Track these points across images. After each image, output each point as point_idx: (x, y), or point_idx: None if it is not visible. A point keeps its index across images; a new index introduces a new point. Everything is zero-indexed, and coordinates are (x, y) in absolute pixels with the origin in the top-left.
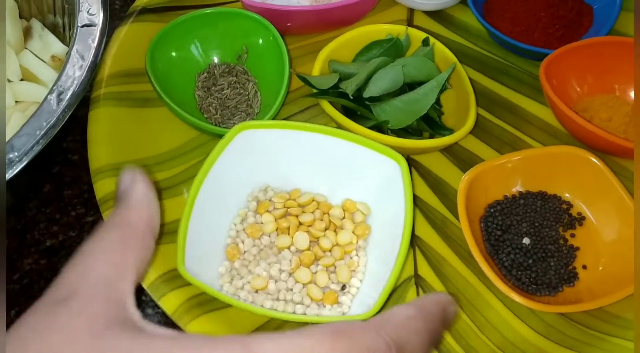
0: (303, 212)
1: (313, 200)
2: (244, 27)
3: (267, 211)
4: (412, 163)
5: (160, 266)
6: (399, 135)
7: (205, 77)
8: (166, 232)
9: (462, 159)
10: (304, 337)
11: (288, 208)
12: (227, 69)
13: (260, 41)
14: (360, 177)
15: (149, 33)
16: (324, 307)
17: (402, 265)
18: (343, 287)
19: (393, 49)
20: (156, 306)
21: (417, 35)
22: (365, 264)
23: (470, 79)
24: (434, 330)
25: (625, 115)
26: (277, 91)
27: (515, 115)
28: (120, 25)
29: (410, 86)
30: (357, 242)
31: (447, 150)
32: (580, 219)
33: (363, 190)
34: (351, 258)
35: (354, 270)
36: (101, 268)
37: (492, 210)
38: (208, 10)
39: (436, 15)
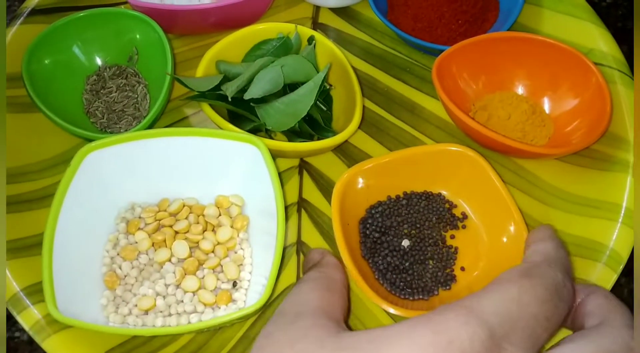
0: (177, 220)
1: (184, 206)
2: (131, 28)
3: (139, 229)
4: (304, 165)
5: (21, 279)
6: (289, 137)
7: (95, 80)
8: (30, 245)
9: (356, 160)
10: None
11: (160, 220)
12: (118, 71)
13: (149, 42)
14: (226, 170)
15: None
16: (219, 308)
17: (282, 246)
18: (234, 284)
19: (282, 48)
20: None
21: (307, 34)
22: (250, 255)
23: (371, 78)
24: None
25: (523, 112)
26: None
27: (414, 115)
28: (9, 26)
29: (291, 87)
30: (238, 235)
31: (341, 152)
32: (463, 218)
33: (232, 182)
34: (236, 253)
35: (241, 264)
36: (317, 301)
37: (372, 212)
38: (85, 13)
39: (342, 12)
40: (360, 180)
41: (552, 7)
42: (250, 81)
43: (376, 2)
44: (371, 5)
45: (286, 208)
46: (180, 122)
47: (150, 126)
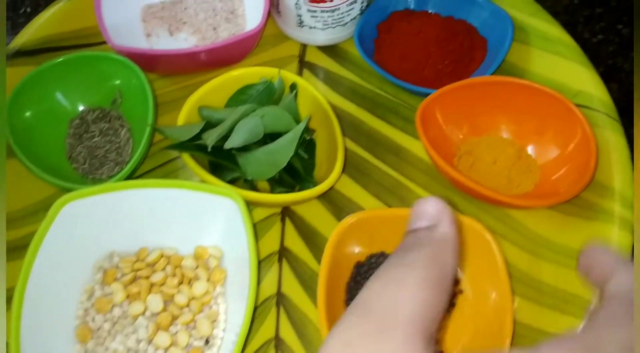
0: (154, 270)
1: (162, 256)
2: (113, 72)
3: (115, 279)
4: (286, 212)
5: None
6: (271, 186)
7: (78, 124)
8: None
9: (339, 206)
10: None
11: (137, 271)
12: (101, 115)
13: (132, 86)
14: (206, 221)
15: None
16: None
17: (253, 304)
18: (207, 341)
19: (266, 93)
20: None
21: (291, 79)
22: (225, 311)
23: (356, 119)
24: None
25: (509, 157)
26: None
27: (399, 158)
28: None
29: (272, 136)
30: (214, 289)
31: (324, 198)
32: (457, 293)
33: (212, 233)
34: (210, 308)
35: (215, 321)
36: (418, 309)
37: (372, 261)
38: (64, 58)
39: (329, 50)
40: (360, 227)
41: (541, 46)
42: (231, 129)
43: (362, 42)
44: (357, 46)
45: (266, 257)
46: (164, 165)
47: (132, 173)
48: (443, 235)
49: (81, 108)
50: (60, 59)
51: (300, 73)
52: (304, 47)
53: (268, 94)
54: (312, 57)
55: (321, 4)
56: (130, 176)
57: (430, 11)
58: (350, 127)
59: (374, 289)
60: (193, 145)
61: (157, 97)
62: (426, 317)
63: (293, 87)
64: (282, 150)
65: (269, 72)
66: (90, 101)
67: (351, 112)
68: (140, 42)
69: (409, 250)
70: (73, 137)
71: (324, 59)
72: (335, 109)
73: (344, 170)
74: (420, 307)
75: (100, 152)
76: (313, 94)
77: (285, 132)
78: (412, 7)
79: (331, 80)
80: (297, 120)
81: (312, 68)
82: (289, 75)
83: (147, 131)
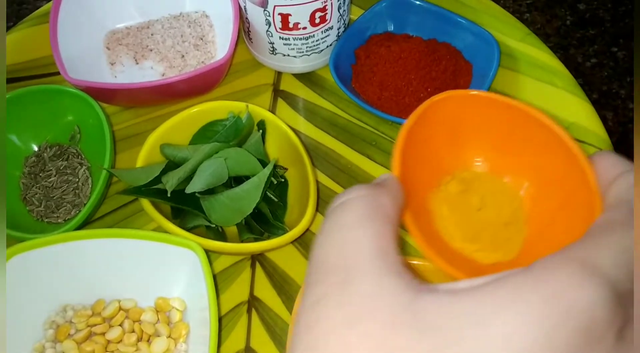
0: (110, 326)
1: (120, 310)
2: (70, 106)
3: (68, 336)
4: (257, 257)
5: None
6: (239, 230)
7: (34, 162)
8: None
9: None
10: None
11: (92, 326)
12: (59, 152)
13: (90, 121)
14: (167, 272)
15: None
16: None
17: None
18: None
19: (233, 129)
20: None
21: (259, 113)
22: None
23: (334, 153)
24: None
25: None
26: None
27: None
28: None
29: (238, 179)
30: (175, 346)
31: (298, 241)
32: None
33: (173, 285)
34: None
35: None
36: (373, 242)
37: None
38: (16, 93)
39: (305, 78)
40: None
41: (531, 73)
42: (193, 172)
43: (339, 69)
44: (333, 74)
45: (234, 308)
46: (125, 206)
47: (88, 217)
48: (383, 184)
49: (36, 146)
50: (9, 96)
51: (274, 102)
52: (278, 74)
53: (235, 131)
54: (287, 85)
55: (294, 32)
56: (87, 220)
57: (411, 34)
58: (326, 161)
59: (322, 239)
60: (151, 190)
61: (119, 131)
62: (388, 252)
63: (260, 125)
64: (248, 196)
65: (236, 107)
66: (46, 137)
67: (328, 145)
68: (104, 72)
69: (344, 205)
70: (28, 177)
71: (299, 87)
72: (311, 141)
73: (318, 209)
74: (376, 240)
75: (56, 193)
76: (283, 130)
77: (251, 176)
78: (391, 29)
79: (307, 110)
80: (265, 161)
81: (287, 97)
82: (258, 110)
83: (103, 175)
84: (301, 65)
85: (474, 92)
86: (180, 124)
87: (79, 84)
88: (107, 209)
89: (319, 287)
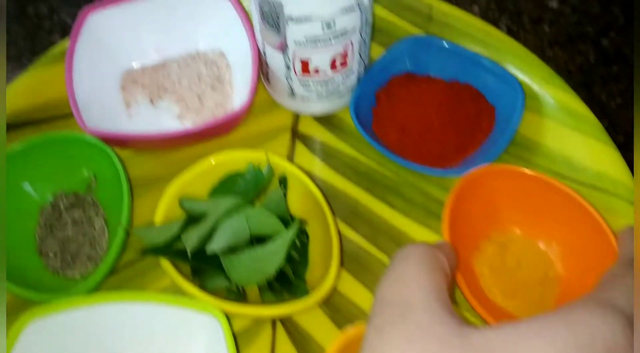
0: None
1: None
2: (87, 155)
3: None
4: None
5: None
6: (260, 291)
7: (49, 212)
8: None
9: (337, 308)
10: None
11: None
12: (75, 201)
13: (107, 171)
14: (186, 338)
15: None
16: None
17: None
18: None
19: (253, 183)
20: None
21: (280, 163)
22: None
23: (354, 201)
24: None
25: (535, 274)
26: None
27: (400, 246)
28: None
29: (259, 239)
30: None
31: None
32: None
33: (192, 350)
34: None
35: None
36: (427, 286)
37: None
38: (29, 142)
39: (325, 120)
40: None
41: (556, 117)
42: (212, 229)
43: (359, 111)
44: (353, 118)
45: None
46: (142, 259)
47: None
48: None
49: (51, 195)
50: (24, 145)
51: (292, 146)
52: (296, 117)
53: (255, 185)
54: (306, 127)
55: (314, 76)
56: (105, 276)
57: (432, 75)
58: (347, 210)
59: (384, 283)
60: (172, 250)
61: (135, 177)
62: (440, 296)
63: (282, 181)
64: (270, 257)
65: (256, 157)
66: (62, 187)
67: (347, 192)
68: (120, 113)
69: (403, 257)
70: (44, 228)
71: (318, 130)
72: (330, 188)
73: (342, 264)
74: (430, 284)
75: (73, 246)
76: (304, 183)
77: (272, 234)
78: (410, 69)
79: (326, 154)
80: (286, 218)
81: (306, 140)
82: (278, 160)
83: (120, 235)
84: (321, 107)
85: (508, 167)
86: (198, 176)
87: (95, 133)
88: (124, 259)
89: (383, 316)
